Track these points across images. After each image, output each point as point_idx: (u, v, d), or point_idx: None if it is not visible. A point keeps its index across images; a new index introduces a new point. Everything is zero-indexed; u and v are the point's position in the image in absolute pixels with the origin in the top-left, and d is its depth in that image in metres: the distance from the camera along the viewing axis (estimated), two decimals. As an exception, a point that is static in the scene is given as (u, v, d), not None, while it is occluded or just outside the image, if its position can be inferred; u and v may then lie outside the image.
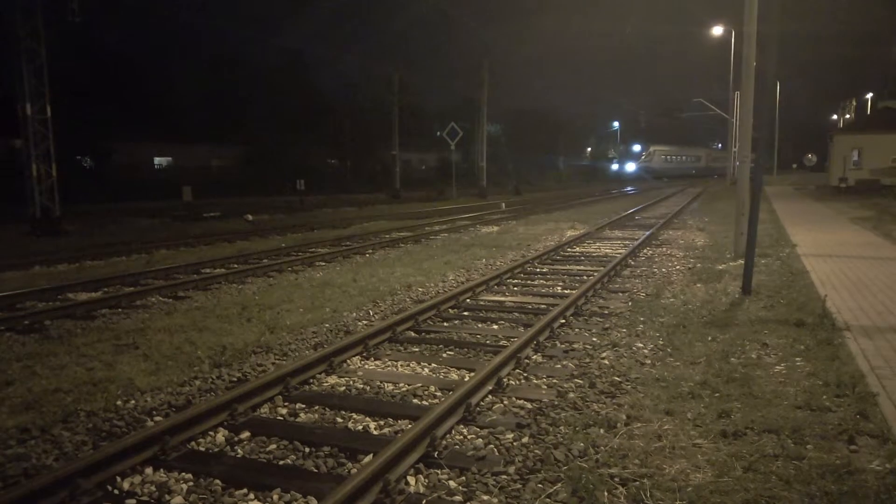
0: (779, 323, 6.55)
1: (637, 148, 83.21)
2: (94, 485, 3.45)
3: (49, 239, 17.09)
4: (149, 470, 3.73)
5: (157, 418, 4.50)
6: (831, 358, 5.30)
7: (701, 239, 14.79)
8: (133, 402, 4.80)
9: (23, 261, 12.24)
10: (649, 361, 5.50)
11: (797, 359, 5.38)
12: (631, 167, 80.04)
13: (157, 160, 47.22)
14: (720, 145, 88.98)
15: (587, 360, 5.63)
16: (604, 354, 5.74)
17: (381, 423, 4.41)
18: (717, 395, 4.60)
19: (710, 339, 6.08)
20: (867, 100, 46.54)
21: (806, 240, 13.46)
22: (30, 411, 4.58)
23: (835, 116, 56.64)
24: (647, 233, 15.48)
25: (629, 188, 53.43)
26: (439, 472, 3.65)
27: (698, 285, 8.86)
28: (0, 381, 5.24)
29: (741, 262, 8.90)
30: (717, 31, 43.28)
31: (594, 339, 6.33)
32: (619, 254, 11.89)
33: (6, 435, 4.19)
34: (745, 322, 6.65)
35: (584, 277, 9.72)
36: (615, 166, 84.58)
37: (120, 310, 8.05)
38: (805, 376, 4.94)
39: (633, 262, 11.30)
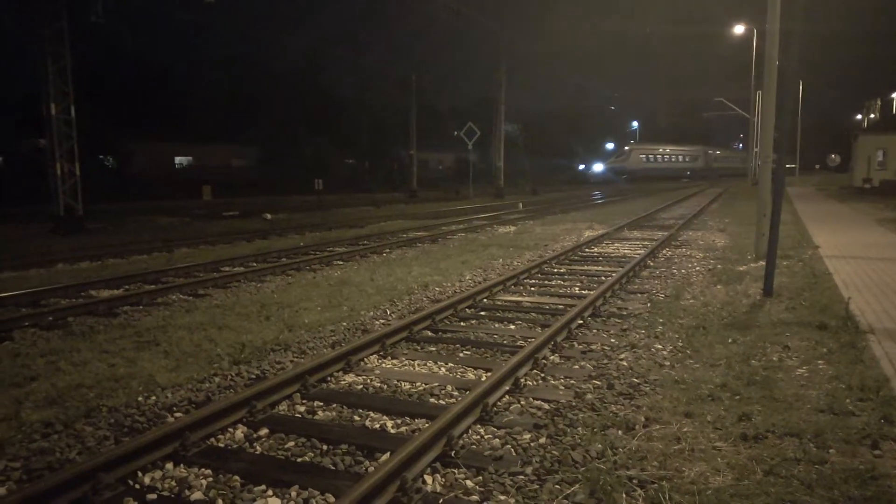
0: (801, 325, 6.45)
1: (610, 146, 71.60)
2: (115, 479, 3.50)
3: (72, 237, 17.36)
4: (169, 465, 3.77)
5: (178, 414, 4.55)
6: (854, 361, 5.22)
7: (721, 240, 14.63)
8: (154, 398, 4.86)
9: (46, 258, 12.47)
10: (668, 363, 5.45)
11: (819, 362, 5.30)
12: (598, 168, 66.64)
13: (177, 160, 47.86)
14: (741, 145, 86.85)
15: (605, 361, 5.59)
16: (622, 356, 5.70)
17: (399, 421, 4.42)
18: (737, 397, 4.54)
19: (730, 341, 6.01)
20: (892, 99, 45.62)
21: (829, 241, 13.25)
22: (53, 406, 4.66)
23: (859, 116, 55.63)
24: (667, 233, 15.35)
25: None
26: (456, 471, 3.65)
27: (718, 287, 8.77)
28: (25, 377, 5.34)
29: (762, 263, 8.79)
30: (739, 29, 42.84)
31: (612, 340, 6.28)
32: (638, 254, 11.80)
33: (31, 429, 4.26)
34: (766, 324, 6.57)
35: (603, 278, 9.66)
36: (581, 166, 70.63)
37: (141, 307, 8.16)
38: (827, 380, 4.86)
39: (652, 263, 11.21)
